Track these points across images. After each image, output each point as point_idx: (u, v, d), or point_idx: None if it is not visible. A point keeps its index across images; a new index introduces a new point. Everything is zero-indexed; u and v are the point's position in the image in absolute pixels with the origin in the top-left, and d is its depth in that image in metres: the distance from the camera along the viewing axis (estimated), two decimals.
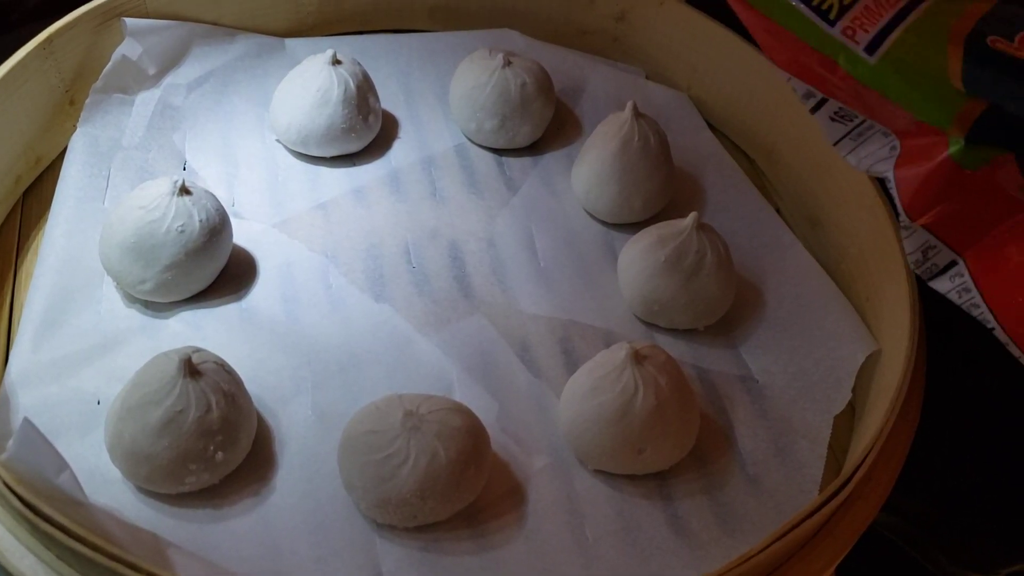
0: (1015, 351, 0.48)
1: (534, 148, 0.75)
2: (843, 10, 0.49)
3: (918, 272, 0.51)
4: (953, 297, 0.50)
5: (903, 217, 0.49)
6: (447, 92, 0.75)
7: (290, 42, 0.79)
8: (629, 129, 0.66)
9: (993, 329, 0.48)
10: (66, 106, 0.70)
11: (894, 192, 0.49)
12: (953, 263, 0.49)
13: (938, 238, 0.49)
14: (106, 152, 0.68)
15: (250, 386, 0.55)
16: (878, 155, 0.50)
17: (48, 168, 0.70)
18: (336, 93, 0.69)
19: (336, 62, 0.69)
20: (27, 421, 0.45)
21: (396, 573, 0.51)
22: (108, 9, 0.70)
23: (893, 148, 0.50)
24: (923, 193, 0.48)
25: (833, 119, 0.52)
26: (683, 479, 0.56)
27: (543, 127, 0.74)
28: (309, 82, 0.69)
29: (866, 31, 0.48)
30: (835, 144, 0.52)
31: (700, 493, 0.55)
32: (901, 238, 0.51)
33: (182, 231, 0.59)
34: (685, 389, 0.55)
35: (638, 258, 0.62)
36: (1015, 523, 0.75)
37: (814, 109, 0.52)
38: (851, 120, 0.51)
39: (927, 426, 0.55)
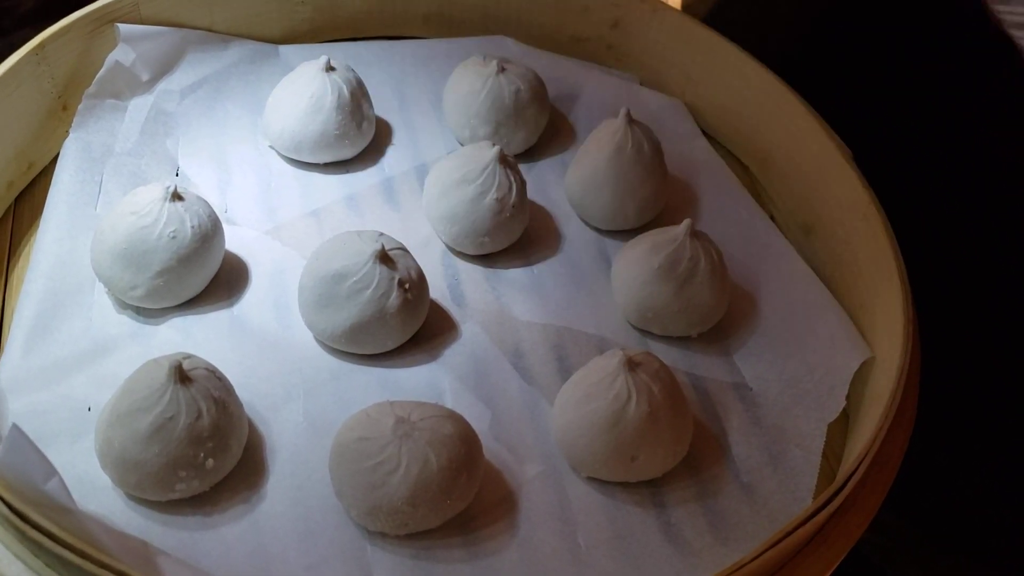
0: None
1: (528, 155, 0.74)
2: None
3: None
4: None
5: None
6: (441, 99, 0.75)
7: (284, 48, 0.79)
8: (623, 136, 0.66)
9: None
10: (59, 112, 0.70)
11: None
12: None
13: None
14: (99, 158, 0.68)
15: (241, 393, 0.55)
16: None
17: (40, 174, 0.70)
18: (329, 100, 0.68)
19: (330, 68, 0.69)
20: (15, 427, 0.45)
21: None
22: (101, 15, 0.70)
23: None
24: None
25: None
26: (676, 487, 0.56)
27: (537, 134, 0.74)
28: (303, 88, 0.69)
29: None
30: None
31: (693, 501, 0.55)
32: None
33: (174, 237, 0.59)
34: (678, 396, 0.55)
35: (632, 265, 0.62)
36: (993, 540, 0.75)
37: None
38: None
39: (913, 441, 0.55)
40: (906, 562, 0.77)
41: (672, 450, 0.55)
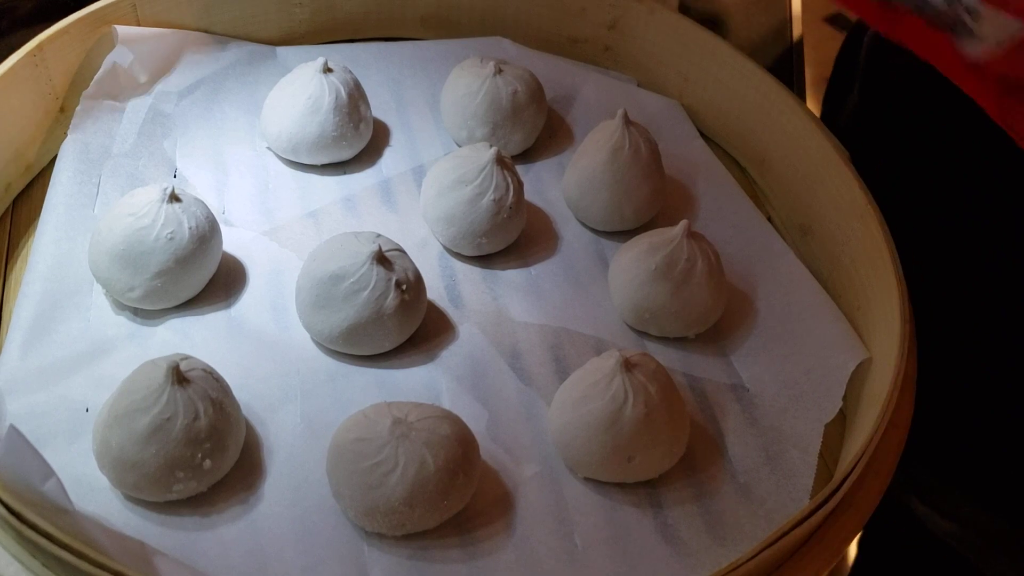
0: None
1: (525, 156, 0.75)
2: None
3: None
4: None
5: None
6: (438, 100, 0.75)
7: (281, 50, 0.79)
8: (620, 137, 0.66)
9: None
10: (56, 113, 0.70)
11: None
12: None
13: None
14: (96, 159, 0.68)
15: (238, 394, 0.55)
16: None
17: (38, 175, 0.70)
18: (327, 101, 0.69)
19: (327, 70, 0.69)
20: (13, 428, 0.45)
21: None
22: (99, 17, 0.70)
23: None
24: None
25: None
26: (673, 487, 0.56)
27: (534, 135, 0.74)
28: (300, 90, 0.69)
29: None
30: None
31: (690, 501, 0.55)
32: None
33: (171, 238, 0.59)
34: (675, 397, 0.55)
35: (629, 266, 0.62)
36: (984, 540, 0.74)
37: None
38: None
39: (990, 433, 0.53)
40: (996, 558, 0.76)
41: (669, 451, 0.55)
